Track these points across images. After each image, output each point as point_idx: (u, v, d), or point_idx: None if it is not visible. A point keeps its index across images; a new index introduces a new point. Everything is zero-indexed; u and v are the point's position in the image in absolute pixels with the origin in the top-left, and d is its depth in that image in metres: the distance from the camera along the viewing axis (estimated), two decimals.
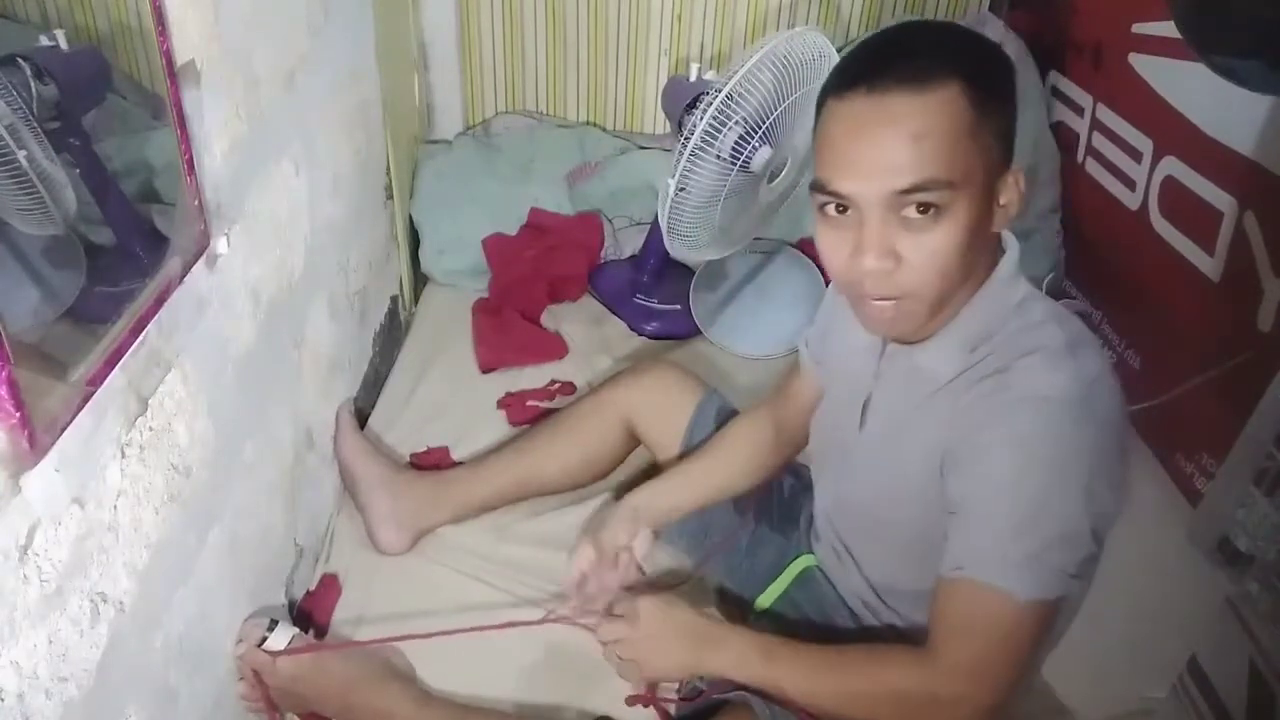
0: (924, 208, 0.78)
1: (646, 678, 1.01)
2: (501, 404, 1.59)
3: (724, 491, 1.20)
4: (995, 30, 1.93)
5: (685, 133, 1.43)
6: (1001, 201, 0.83)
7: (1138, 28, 1.59)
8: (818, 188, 0.82)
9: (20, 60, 0.75)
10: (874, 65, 0.79)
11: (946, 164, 0.77)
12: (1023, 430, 0.81)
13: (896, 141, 0.77)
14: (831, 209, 0.82)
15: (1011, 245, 0.89)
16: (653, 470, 1.38)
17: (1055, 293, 1.85)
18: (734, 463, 1.20)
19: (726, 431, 1.23)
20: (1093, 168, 1.78)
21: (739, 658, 0.94)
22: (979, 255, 0.84)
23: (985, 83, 0.79)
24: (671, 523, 1.21)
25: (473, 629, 1.09)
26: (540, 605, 1.22)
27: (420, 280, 1.94)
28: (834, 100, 0.81)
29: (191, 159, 0.87)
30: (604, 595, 1.07)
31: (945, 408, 0.88)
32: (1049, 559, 0.80)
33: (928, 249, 0.79)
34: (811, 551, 1.15)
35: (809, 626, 1.10)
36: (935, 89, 0.76)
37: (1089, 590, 0.95)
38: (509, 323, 1.77)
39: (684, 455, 1.30)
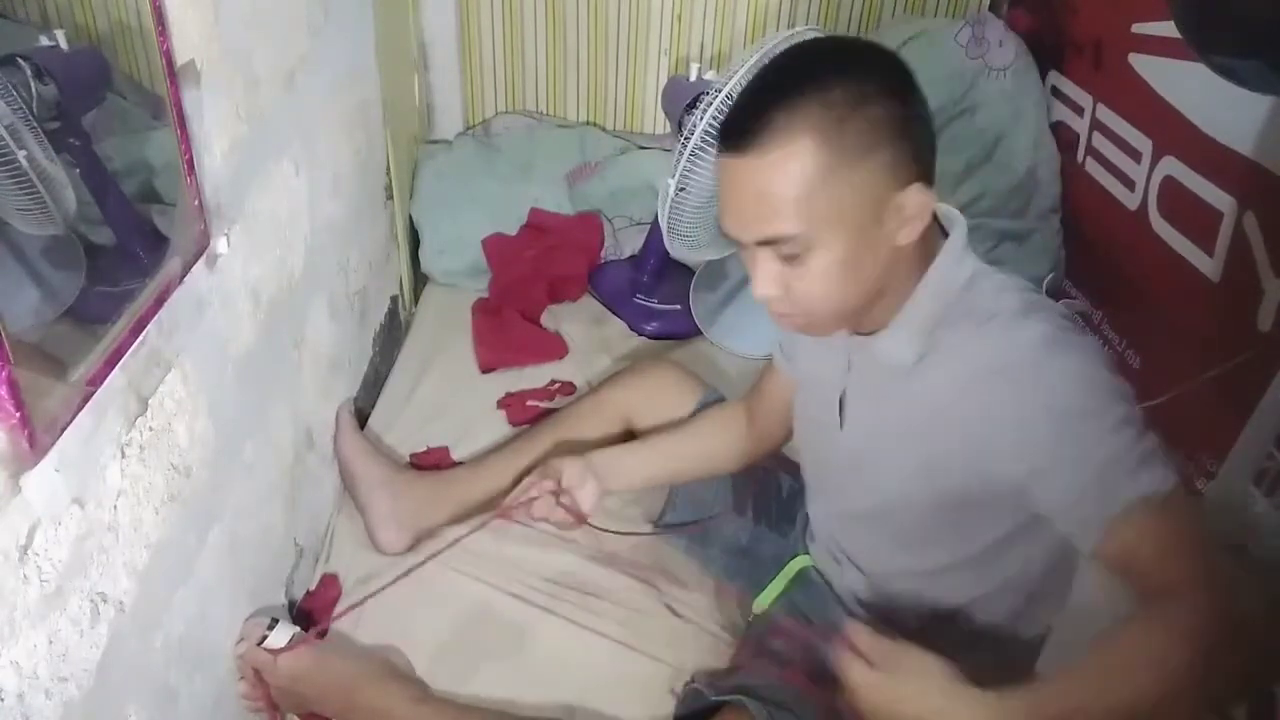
0: (788, 251, 0.82)
1: None
2: (501, 404, 1.59)
3: (687, 473, 1.23)
4: (995, 30, 1.93)
5: (685, 133, 1.43)
6: (896, 222, 0.83)
7: (1138, 28, 1.59)
8: None
9: (20, 60, 0.74)
10: (731, 124, 0.83)
11: (792, 220, 0.80)
12: (1031, 388, 0.81)
13: (743, 201, 0.82)
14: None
15: (958, 224, 0.90)
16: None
17: (1055, 293, 1.85)
18: (703, 447, 1.22)
19: (701, 415, 1.26)
20: (1092, 168, 1.78)
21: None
22: (891, 266, 0.85)
23: (853, 125, 0.78)
24: (630, 489, 1.24)
25: (442, 551, 1.16)
26: (540, 605, 1.23)
27: (420, 280, 1.94)
28: (716, 151, 0.85)
29: (191, 159, 0.87)
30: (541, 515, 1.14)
31: (917, 392, 0.89)
32: (1143, 452, 0.78)
33: (807, 281, 0.83)
34: (807, 552, 1.16)
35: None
36: (777, 149, 0.79)
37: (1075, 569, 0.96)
38: (509, 323, 1.76)
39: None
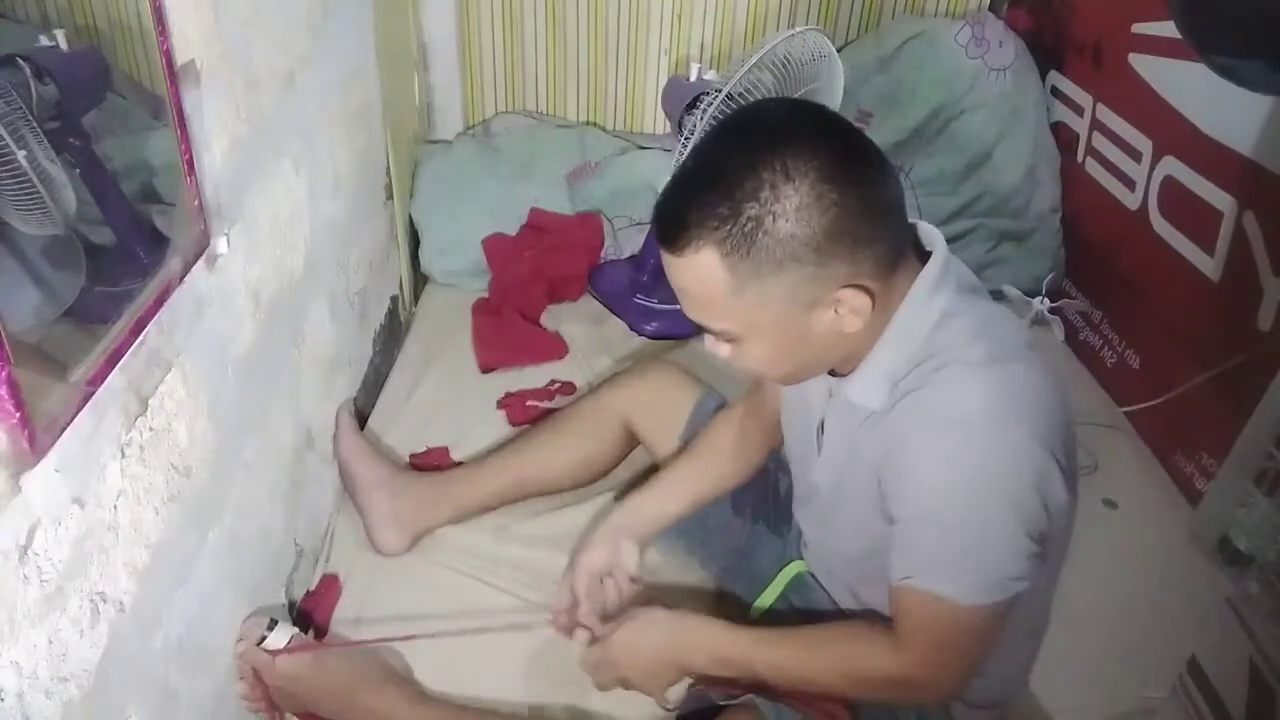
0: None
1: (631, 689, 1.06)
2: (501, 404, 1.59)
3: (713, 494, 1.20)
4: (995, 30, 1.93)
5: (685, 133, 1.43)
6: (832, 317, 0.82)
7: (1138, 28, 1.59)
8: None
9: (20, 60, 0.74)
10: (658, 214, 0.84)
11: (710, 315, 0.84)
12: (943, 448, 0.83)
13: (676, 287, 0.85)
14: None
15: (936, 252, 0.87)
16: (654, 471, 1.38)
17: (1055, 293, 1.85)
18: (721, 464, 1.20)
19: (710, 433, 1.22)
20: (1093, 168, 1.79)
21: (711, 656, 1.00)
22: (838, 341, 0.84)
23: (761, 244, 0.77)
24: (662, 530, 1.20)
25: (468, 630, 1.12)
26: (540, 606, 1.22)
27: (420, 280, 1.94)
28: None
29: (191, 159, 0.87)
30: (600, 609, 1.11)
31: (879, 433, 0.88)
32: (984, 567, 0.84)
33: (744, 359, 0.87)
34: (802, 556, 1.16)
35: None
36: (687, 254, 0.80)
37: (1054, 585, 0.97)
38: (509, 323, 1.77)
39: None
